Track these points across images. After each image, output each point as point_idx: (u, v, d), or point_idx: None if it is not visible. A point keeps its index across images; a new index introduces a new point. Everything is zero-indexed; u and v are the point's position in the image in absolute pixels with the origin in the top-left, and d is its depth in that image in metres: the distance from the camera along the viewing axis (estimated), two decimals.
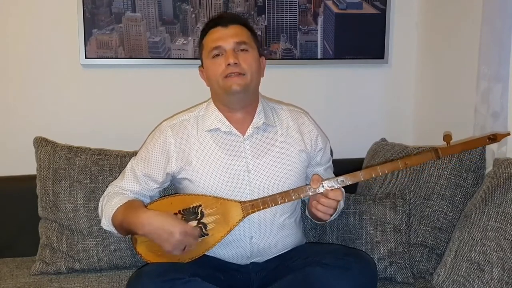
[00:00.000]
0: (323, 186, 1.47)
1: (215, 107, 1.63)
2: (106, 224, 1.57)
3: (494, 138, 1.51)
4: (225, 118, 1.61)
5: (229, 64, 1.52)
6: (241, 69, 1.53)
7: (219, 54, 1.55)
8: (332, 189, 1.47)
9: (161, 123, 1.69)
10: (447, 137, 1.49)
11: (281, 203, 1.50)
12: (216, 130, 1.61)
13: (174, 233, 1.42)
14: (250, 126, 1.61)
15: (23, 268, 1.79)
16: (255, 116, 1.62)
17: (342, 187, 1.50)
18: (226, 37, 1.54)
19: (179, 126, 1.63)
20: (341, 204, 1.69)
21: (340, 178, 1.49)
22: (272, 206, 1.51)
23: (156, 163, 1.60)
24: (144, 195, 1.62)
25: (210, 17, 2.09)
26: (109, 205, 1.55)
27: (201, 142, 1.60)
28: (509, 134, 1.56)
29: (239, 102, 1.59)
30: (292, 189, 1.51)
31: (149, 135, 1.70)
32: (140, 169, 1.61)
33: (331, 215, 1.55)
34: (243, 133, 1.61)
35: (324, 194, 1.47)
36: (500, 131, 1.58)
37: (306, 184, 1.52)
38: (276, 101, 1.76)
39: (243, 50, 1.55)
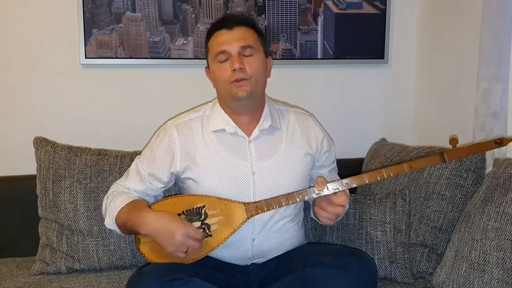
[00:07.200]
0: (327, 188, 1.46)
1: (221, 108, 1.62)
2: (110, 223, 1.57)
3: (500, 142, 1.48)
4: (230, 119, 1.60)
5: (234, 70, 1.51)
6: (246, 74, 1.52)
7: (224, 59, 1.54)
8: (336, 192, 1.46)
9: (166, 122, 1.68)
10: (453, 141, 1.47)
11: (285, 205, 1.50)
12: (221, 131, 1.60)
13: (176, 234, 1.42)
14: (256, 128, 1.61)
15: (23, 268, 1.79)
16: (262, 118, 1.62)
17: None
18: (231, 41, 1.53)
19: (184, 126, 1.62)
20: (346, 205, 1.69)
21: (344, 181, 1.47)
22: (276, 208, 1.50)
23: (161, 162, 1.60)
24: (148, 195, 1.62)
25: (210, 17, 2.08)
26: (113, 205, 1.55)
27: (206, 142, 1.60)
28: None
29: (245, 106, 1.59)
30: (296, 191, 1.50)
31: (153, 134, 1.70)
32: (145, 168, 1.61)
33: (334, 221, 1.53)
34: (249, 134, 1.61)
35: (331, 201, 1.46)
36: (506, 136, 1.56)
37: (311, 186, 1.51)
38: (282, 102, 1.75)
39: (248, 54, 1.54)
